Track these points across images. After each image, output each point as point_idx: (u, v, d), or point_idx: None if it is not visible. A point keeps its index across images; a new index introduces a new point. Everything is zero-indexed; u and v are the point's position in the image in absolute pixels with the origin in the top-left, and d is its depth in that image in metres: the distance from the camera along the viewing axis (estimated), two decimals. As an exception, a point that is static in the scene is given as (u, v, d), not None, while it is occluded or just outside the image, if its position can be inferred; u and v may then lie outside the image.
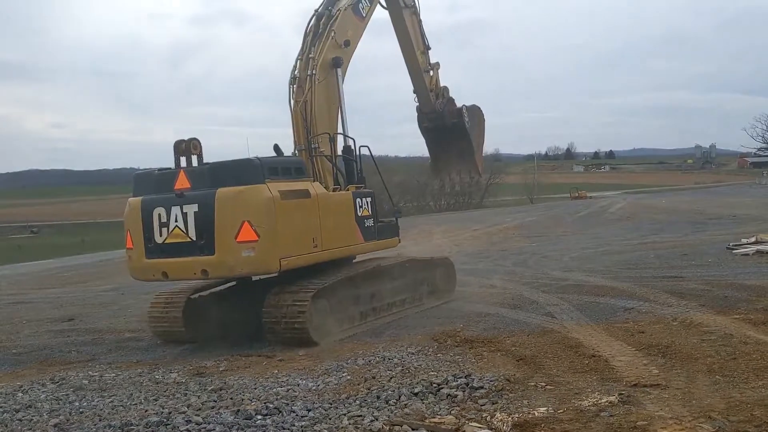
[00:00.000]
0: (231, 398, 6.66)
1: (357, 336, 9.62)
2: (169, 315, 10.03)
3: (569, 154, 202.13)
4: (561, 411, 5.59)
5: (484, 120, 14.81)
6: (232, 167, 9.10)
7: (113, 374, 8.33)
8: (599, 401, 5.76)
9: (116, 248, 41.88)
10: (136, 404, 6.73)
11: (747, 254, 15.30)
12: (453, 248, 21.96)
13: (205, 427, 5.65)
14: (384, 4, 12.39)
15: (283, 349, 9.08)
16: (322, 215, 9.60)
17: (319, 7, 11.25)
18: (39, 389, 7.63)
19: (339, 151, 10.97)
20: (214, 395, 6.83)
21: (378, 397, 6.26)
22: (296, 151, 10.61)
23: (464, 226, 34.84)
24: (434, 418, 5.63)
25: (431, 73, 13.67)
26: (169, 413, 6.20)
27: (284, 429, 5.56)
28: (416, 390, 6.36)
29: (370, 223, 10.68)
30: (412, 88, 13.57)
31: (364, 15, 11.64)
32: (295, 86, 10.75)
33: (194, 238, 8.88)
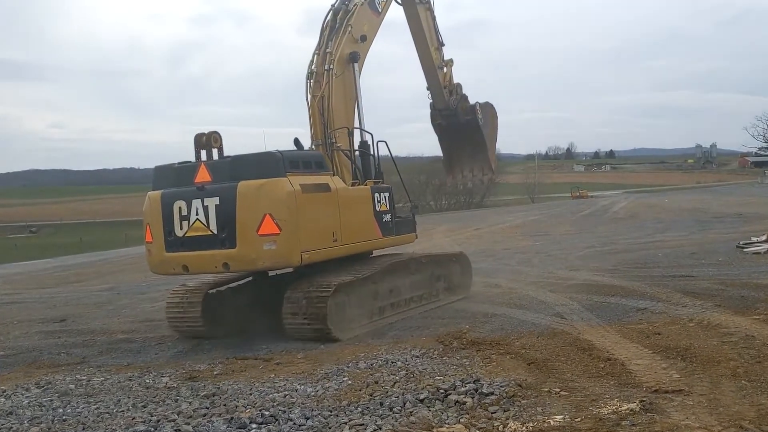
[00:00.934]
0: (224, 405, 6.23)
1: (359, 337, 9.22)
2: (187, 311, 9.97)
3: (569, 154, 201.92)
4: (579, 419, 5.17)
5: (497, 117, 14.69)
6: (253, 160, 9.08)
7: (102, 378, 7.92)
8: (619, 409, 5.34)
9: (114, 248, 41.75)
10: (123, 411, 6.31)
11: (759, 252, 14.91)
12: (455, 247, 21.55)
13: (195, 437, 5.24)
14: (399, 0, 12.37)
15: (282, 351, 8.68)
16: (341, 209, 9.58)
17: (336, 2, 11.26)
18: (23, 394, 7.22)
19: (356, 146, 10.91)
20: (207, 401, 6.41)
21: (381, 404, 5.84)
22: (313, 146, 10.54)
23: (466, 225, 34.50)
24: (442, 427, 5.22)
25: (445, 69, 13.64)
26: (158, 421, 5.80)
27: (280, 439, 5.16)
28: (422, 396, 5.94)
29: (387, 218, 10.67)
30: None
31: (380, 10, 11.69)
32: (312, 81, 10.75)
33: (215, 232, 8.85)
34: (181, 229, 9.11)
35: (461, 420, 5.35)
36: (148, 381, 7.58)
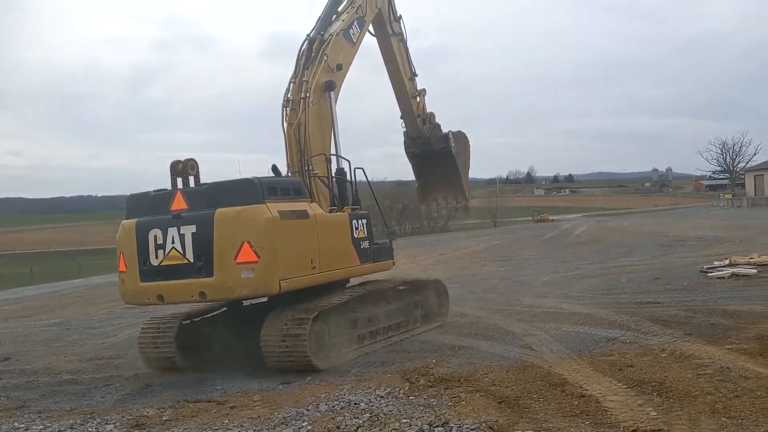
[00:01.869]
0: (172, 457, 5.72)
1: (320, 376, 8.75)
2: (161, 342, 9.67)
3: (530, 178, 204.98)
4: (555, 467, 4.83)
5: (469, 145, 14.69)
6: (230, 187, 8.86)
7: (41, 426, 7.28)
8: (598, 453, 5.01)
9: (67, 279, 40.27)
10: (59, 467, 5.74)
11: (722, 277, 14.90)
12: (420, 274, 21.20)
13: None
14: (373, 31, 12.59)
15: (237, 392, 8.15)
16: (320, 236, 9.38)
17: (311, 31, 11.31)
18: (-50, 448, 6.59)
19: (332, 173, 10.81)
20: (153, 453, 5.88)
21: (343, 453, 5.41)
22: (290, 173, 10.41)
23: (431, 251, 34.23)
24: (409, 479, 4.81)
25: (418, 99, 13.72)
26: (96, 479, 5.25)
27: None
28: (387, 443, 5.53)
29: (365, 245, 10.50)
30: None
31: (355, 41, 11.74)
32: (288, 109, 10.65)
33: (192, 260, 8.65)
34: (157, 257, 8.88)
35: (430, 470, 4.95)
36: (90, 429, 6.99)
